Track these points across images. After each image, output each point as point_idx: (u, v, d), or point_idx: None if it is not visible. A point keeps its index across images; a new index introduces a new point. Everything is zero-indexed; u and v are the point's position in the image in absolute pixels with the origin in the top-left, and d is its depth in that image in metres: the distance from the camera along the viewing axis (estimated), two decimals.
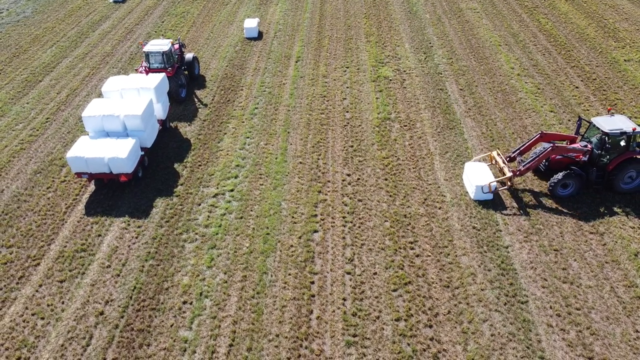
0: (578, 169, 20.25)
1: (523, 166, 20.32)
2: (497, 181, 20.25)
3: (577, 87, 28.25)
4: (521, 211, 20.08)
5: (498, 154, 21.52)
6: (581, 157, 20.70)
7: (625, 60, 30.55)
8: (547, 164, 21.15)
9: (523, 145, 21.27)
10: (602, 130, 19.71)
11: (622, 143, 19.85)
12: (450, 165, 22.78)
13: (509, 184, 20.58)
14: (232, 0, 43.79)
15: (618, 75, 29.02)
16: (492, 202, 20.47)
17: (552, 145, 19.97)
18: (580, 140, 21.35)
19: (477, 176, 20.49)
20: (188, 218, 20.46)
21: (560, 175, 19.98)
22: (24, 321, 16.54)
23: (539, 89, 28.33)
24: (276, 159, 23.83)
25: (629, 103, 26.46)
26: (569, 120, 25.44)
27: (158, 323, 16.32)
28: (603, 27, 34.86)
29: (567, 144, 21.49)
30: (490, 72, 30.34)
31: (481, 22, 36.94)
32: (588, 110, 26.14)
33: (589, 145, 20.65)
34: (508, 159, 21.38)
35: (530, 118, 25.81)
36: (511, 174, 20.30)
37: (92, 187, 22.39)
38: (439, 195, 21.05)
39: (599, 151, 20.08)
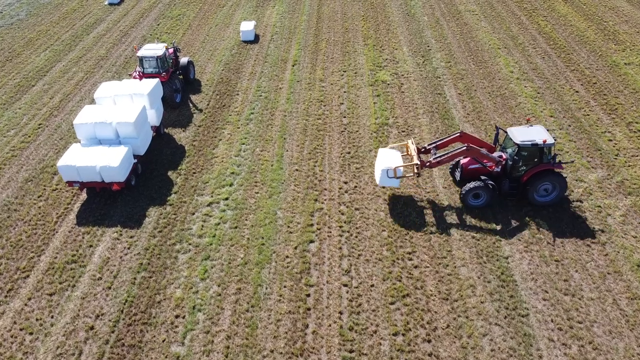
0: (489, 180, 20.02)
1: (434, 159, 20.03)
2: (403, 166, 19.80)
3: (577, 92, 27.87)
4: (521, 220, 19.69)
5: (412, 143, 21.14)
6: (494, 167, 20.38)
7: (625, 63, 30.18)
8: (461, 173, 20.97)
9: (440, 141, 21.02)
10: (513, 141, 19.49)
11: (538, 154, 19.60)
12: (449, 172, 22.36)
13: (415, 171, 20.03)
14: (228, 3, 43.36)
15: (618, 79, 28.65)
16: (491, 211, 20.10)
17: (466, 145, 19.72)
18: (498, 150, 21.09)
19: (386, 161, 20.07)
20: (182, 228, 20.05)
21: (470, 184, 19.82)
22: (11, 336, 16.11)
23: (538, 93, 27.95)
24: (272, 166, 23.42)
25: (629, 107, 26.09)
26: (569, 126, 25.06)
27: (150, 338, 15.90)
28: (603, 30, 34.50)
29: None
30: (489, 75, 29.95)
31: (480, 25, 36.55)
32: (588, 115, 25.77)
33: (504, 156, 20.39)
34: (423, 149, 21.03)
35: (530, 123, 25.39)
36: (419, 162, 19.91)
37: (84, 196, 21.95)
38: (437, 204, 20.66)
39: (511, 162, 19.87)
